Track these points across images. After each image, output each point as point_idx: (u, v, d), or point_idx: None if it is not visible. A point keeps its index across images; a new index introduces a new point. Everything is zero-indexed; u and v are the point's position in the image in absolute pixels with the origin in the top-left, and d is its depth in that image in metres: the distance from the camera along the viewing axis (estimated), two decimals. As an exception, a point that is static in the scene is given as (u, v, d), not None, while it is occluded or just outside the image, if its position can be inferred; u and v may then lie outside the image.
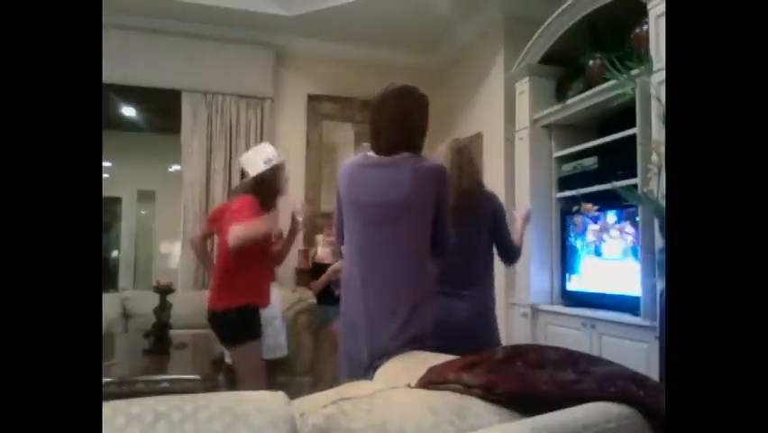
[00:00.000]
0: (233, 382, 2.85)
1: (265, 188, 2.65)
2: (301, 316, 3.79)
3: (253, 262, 2.60)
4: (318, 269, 4.03)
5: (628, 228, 2.76)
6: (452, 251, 2.15)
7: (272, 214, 2.69)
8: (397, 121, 1.85)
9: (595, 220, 2.89)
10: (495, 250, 2.45)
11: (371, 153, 1.91)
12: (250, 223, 2.44)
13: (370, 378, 1.57)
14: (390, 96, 1.88)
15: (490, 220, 2.39)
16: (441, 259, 1.96)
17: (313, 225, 4.70)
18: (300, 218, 2.91)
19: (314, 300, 3.88)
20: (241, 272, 2.55)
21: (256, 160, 2.68)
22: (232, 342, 2.58)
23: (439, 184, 1.84)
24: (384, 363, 1.56)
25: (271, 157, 2.69)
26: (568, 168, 3.38)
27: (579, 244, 3.26)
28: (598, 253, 3.09)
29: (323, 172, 4.90)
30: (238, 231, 2.40)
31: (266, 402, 0.85)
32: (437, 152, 2.41)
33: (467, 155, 2.38)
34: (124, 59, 4.36)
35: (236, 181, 4.09)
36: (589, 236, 3.05)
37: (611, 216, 2.89)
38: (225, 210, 2.76)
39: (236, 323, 2.55)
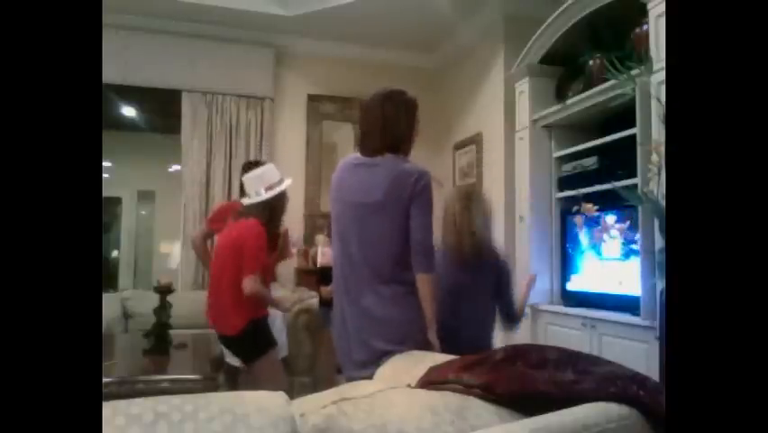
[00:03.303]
0: (233, 382, 2.85)
1: (270, 213, 2.65)
2: (301, 316, 3.78)
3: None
4: (326, 272, 4.02)
5: (628, 228, 2.75)
6: (452, 292, 2.14)
7: (291, 296, 2.74)
8: (382, 124, 1.90)
9: (596, 220, 2.89)
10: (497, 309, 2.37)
11: (359, 155, 1.95)
12: (270, 294, 2.58)
13: (370, 377, 1.58)
14: (377, 100, 1.93)
15: (495, 283, 2.30)
16: (424, 265, 1.85)
17: (313, 225, 4.71)
18: (294, 250, 2.93)
19: (314, 300, 3.87)
20: (241, 293, 2.53)
21: (262, 184, 2.64)
22: (255, 356, 2.59)
23: (415, 186, 1.82)
24: (383, 362, 1.56)
25: (277, 181, 2.68)
26: (568, 168, 3.38)
27: (579, 243, 3.25)
28: (598, 253, 3.09)
29: (323, 172, 4.90)
30: (257, 288, 2.46)
31: (266, 402, 0.85)
32: (446, 199, 2.31)
33: (477, 203, 2.25)
34: (124, 59, 4.35)
35: (236, 181, 4.08)
36: (590, 235, 3.04)
37: (611, 217, 2.88)
38: (229, 215, 2.76)
39: (254, 339, 2.56)
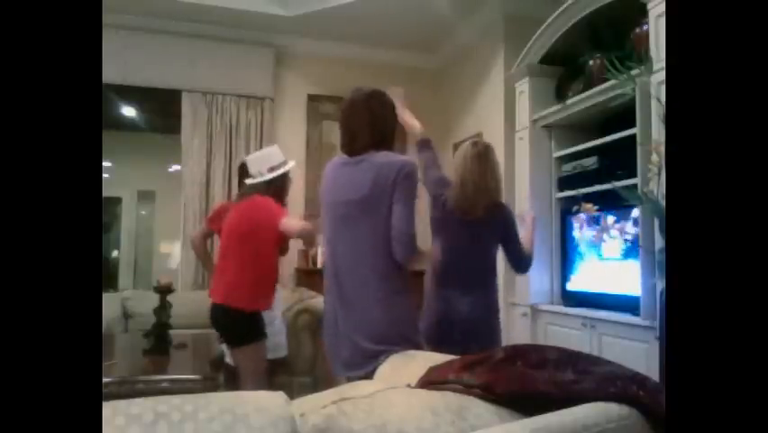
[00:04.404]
0: (233, 382, 2.84)
1: (277, 192, 2.66)
2: (301, 316, 3.78)
3: (271, 260, 2.60)
4: None
5: (628, 228, 2.75)
6: (461, 254, 2.31)
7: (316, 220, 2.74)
8: (370, 121, 1.91)
9: (596, 220, 2.89)
10: (506, 257, 2.50)
11: (344, 155, 1.97)
12: (308, 226, 2.57)
13: (361, 378, 1.58)
14: (362, 99, 1.94)
15: (501, 230, 2.43)
16: (403, 254, 1.81)
17: (313, 225, 4.70)
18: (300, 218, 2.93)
19: (314, 300, 3.87)
20: (258, 271, 2.53)
21: (266, 164, 2.66)
22: (238, 342, 2.56)
23: (398, 174, 1.80)
24: (380, 362, 1.56)
25: (280, 163, 2.69)
26: (568, 168, 3.38)
27: (579, 244, 3.25)
28: (598, 253, 3.09)
29: (323, 172, 4.90)
30: (297, 225, 2.47)
31: (266, 402, 0.85)
32: (457, 154, 2.47)
33: (488, 163, 2.38)
34: (124, 59, 4.36)
35: (236, 181, 4.09)
36: (590, 235, 3.04)
37: (611, 217, 2.88)
38: (230, 210, 2.76)
39: (245, 323, 2.53)
